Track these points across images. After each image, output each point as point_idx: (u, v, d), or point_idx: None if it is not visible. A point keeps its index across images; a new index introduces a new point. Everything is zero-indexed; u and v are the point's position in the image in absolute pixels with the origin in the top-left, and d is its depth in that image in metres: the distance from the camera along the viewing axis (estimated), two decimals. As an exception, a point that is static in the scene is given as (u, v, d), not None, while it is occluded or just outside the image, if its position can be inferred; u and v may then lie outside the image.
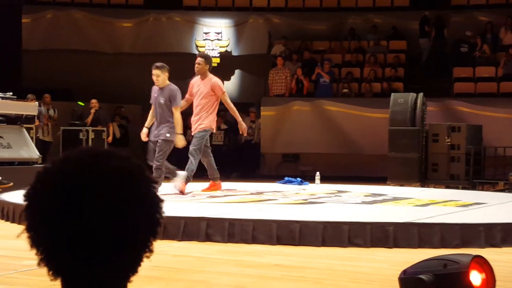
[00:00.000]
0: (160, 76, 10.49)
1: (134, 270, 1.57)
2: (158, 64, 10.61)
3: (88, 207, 1.47)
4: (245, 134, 11.23)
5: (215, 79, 11.03)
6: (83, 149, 1.58)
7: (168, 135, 10.44)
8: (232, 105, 11.20)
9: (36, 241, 1.53)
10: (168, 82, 10.62)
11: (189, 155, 10.72)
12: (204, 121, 10.87)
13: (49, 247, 1.51)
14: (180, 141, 10.56)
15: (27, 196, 1.55)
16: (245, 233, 7.47)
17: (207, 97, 10.89)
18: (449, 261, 1.90)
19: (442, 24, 21.57)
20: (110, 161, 1.54)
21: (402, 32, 22.32)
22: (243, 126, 11.34)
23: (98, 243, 1.48)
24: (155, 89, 10.68)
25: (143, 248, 1.56)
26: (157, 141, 10.47)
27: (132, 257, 1.55)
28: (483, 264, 1.89)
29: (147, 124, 10.87)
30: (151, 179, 1.59)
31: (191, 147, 10.79)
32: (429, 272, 1.86)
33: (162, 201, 1.59)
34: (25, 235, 1.55)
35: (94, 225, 1.47)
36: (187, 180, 10.63)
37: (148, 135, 10.72)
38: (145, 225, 1.55)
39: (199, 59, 11.07)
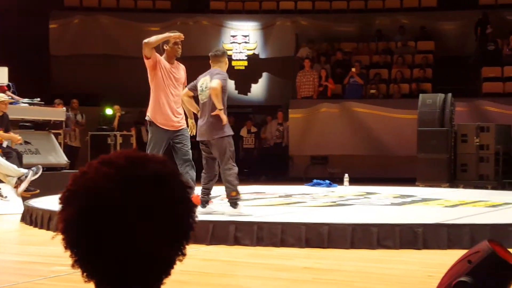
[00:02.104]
0: None
1: (167, 273, 1.58)
2: None
3: (123, 209, 1.48)
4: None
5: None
6: (120, 152, 1.59)
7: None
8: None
9: (70, 243, 1.54)
10: None
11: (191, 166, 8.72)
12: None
13: (83, 249, 1.52)
14: None
15: (62, 198, 1.56)
16: (274, 236, 7.44)
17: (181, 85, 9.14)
18: (469, 256, 1.84)
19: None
20: (146, 165, 1.55)
21: (430, 32, 22.18)
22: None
23: (132, 245, 1.49)
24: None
25: (175, 251, 1.57)
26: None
27: (165, 260, 1.56)
28: (497, 244, 1.83)
29: None
30: (186, 184, 1.60)
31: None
32: (462, 275, 1.80)
33: (195, 206, 1.61)
34: (59, 237, 1.56)
35: (128, 228, 1.49)
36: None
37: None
38: (178, 228, 1.56)
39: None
